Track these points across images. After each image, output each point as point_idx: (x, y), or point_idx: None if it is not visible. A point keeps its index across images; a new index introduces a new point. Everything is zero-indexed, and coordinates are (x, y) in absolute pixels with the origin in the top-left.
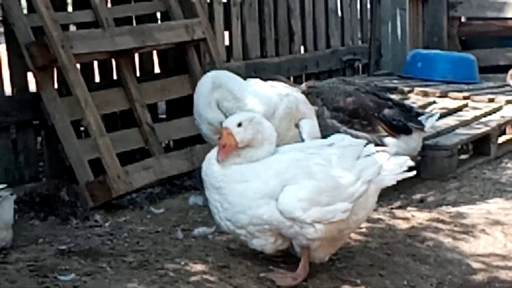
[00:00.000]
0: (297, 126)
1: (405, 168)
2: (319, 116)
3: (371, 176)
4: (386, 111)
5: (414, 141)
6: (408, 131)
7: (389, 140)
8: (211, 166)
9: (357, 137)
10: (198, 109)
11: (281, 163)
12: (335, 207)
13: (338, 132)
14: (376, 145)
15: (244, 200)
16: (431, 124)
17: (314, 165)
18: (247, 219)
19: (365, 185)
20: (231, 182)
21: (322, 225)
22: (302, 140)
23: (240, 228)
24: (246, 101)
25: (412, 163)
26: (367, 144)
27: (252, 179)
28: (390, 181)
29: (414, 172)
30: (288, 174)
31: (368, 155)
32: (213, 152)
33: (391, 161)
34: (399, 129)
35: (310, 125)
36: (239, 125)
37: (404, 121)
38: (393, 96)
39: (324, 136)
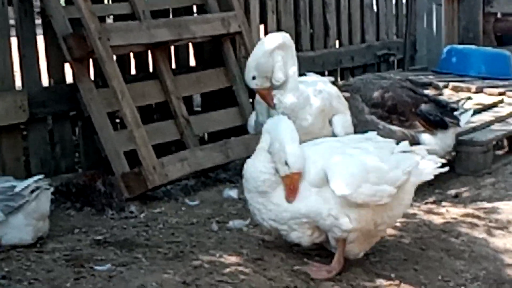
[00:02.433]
0: (330, 121)
1: (439, 165)
2: (359, 112)
3: (410, 166)
4: (423, 106)
5: (449, 137)
6: (444, 126)
7: (425, 136)
8: (257, 174)
9: (395, 132)
10: (257, 55)
11: (319, 151)
12: (383, 188)
13: (378, 128)
14: (412, 143)
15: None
16: (466, 119)
17: (353, 150)
18: (289, 215)
19: (406, 175)
20: (277, 185)
21: (356, 214)
22: (335, 136)
23: (283, 224)
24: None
25: (444, 161)
26: (401, 141)
27: None
28: (426, 176)
29: (447, 168)
30: (328, 160)
31: (403, 152)
32: (257, 158)
33: (427, 157)
34: (436, 124)
35: (343, 120)
36: None
37: (441, 116)
38: (428, 92)
39: (363, 132)
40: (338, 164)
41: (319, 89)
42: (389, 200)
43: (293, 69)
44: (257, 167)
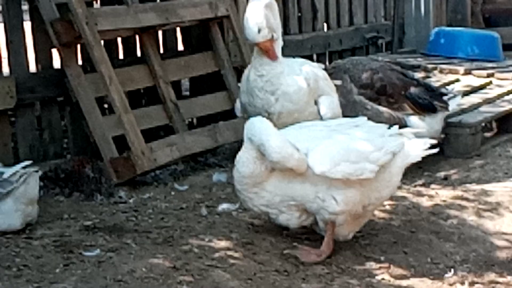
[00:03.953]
0: (316, 103)
1: (428, 146)
2: (347, 92)
3: (394, 148)
4: (412, 90)
5: (437, 121)
6: (433, 110)
7: (413, 119)
8: (250, 170)
9: (383, 113)
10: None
11: (304, 135)
12: (363, 165)
13: (365, 108)
14: (400, 126)
15: (278, 183)
16: (455, 104)
17: (337, 134)
18: (279, 198)
19: (389, 155)
20: (270, 175)
21: (342, 196)
22: (320, 117)
23: (273, 208)
24: None
25: (434, 141)
26: (389, 123)
27: None
28: (414, 158)
29: (437, 149)
30: (311, 142)
31: (392, 135)
32: (245, 154)
33: (414, 140)
34: (424, 107)
35: (329, 101)
36: None
37: (430, 100)
38: (417, 74)
39: (353, 114)
40: (319, 145)
41: (306, 64)
42: (371, 175)
43: (279, 31)
44: (243, 161)
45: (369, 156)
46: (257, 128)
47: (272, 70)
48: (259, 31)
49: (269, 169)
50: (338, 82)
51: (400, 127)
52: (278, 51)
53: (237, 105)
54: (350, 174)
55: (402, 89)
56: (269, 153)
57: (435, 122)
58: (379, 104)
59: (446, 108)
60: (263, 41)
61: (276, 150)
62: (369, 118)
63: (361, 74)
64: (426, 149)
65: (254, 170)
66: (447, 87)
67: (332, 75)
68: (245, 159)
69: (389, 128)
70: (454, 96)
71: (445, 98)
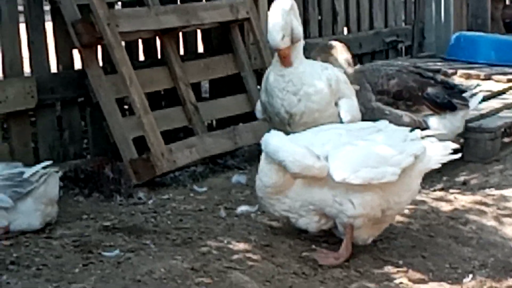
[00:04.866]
0: (336, 105)
1: (450, 151)
2: (366, 99)
3: (416, 151)
4: (430, 90)
5: (458, 119)
6: (452, 108)
7: (434, 120)
8: (273, 181)
9: (402, 117)
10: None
11: (324, 139)
12: (384, 169)
13: (384, 114)
14: (421, 128)
15: (299, 190)
16: (475, 102)
17: (356, 139)
18: (299, 203)
19: (411, 157)
20: (291, 184)
21: (360, 199)
22: (340, 119)
23: (294, 212)
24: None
25: (457, 146)
26: (409, 126)
27: None
28: (436, 163)
29: (459, 155)
30: (331, 146)
31: (415, 139)
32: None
33: (436, 144)
34: (443, 106)
35: (349, 104)
36: None
37: (448, 98)
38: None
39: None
40: (338, 152)
41: (327, 66)
42: (394, 178)
43: (301, 33)
44: (269, 175)
45: (390, 160)
46: (273, 146)
47: (294, 71)
48: (282, 37)
49: (292, 177)
50: (357, 87)
51: (421, 129)
52: (300, 52)
53: (258, 107)
54: (372, 179)
55: (419, 91)
56: (290, 167)
57: (456, 120)
58: (397, 108)
59: (467, 106)
60: (284, 47)
61: (296, 164)
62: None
63: (377, 80)
64: (448, 154)
65: (277, 181)
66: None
67: (353, 80)
68: (267, 171)
69: (411, 131)
70: (475, 94)
71: (465, 95)
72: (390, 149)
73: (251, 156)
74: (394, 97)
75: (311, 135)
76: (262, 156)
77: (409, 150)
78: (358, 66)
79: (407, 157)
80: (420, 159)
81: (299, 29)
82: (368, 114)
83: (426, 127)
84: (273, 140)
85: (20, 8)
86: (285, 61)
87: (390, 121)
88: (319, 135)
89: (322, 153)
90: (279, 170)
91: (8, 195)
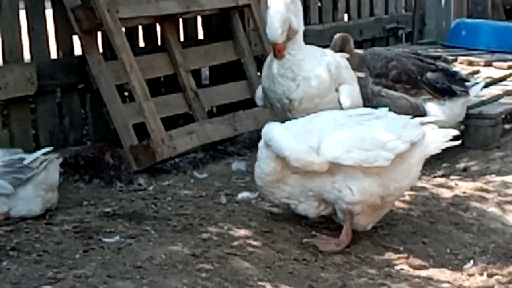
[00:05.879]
0: (337, 90)
1: (450, 138)
2: (364, 83)
3: (413, 137)
4: (429, 74)
5: (458, 106)
6: (452, 93)
7: (432, 105)
8: (271, 168)
9: (399, 99)
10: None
11: (319, 123)
12: (378, 152)
13: (380, 95)
14: (419, 111)
15: (299, 177)
16: (476, 91)
17: (354, 123)
18: (299, 190)
19: (406, 144)
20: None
21: (358, 186)
22: (340, 105)
23: (294, 199)
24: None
25: (457, 132)
26: (406, 109)
27: None
28: (435, 149)
29: (459, 141)
30: (326, 132)
31: (413, 126)
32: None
33: (436, 130)
34: (442, 91)
35: (349, 90)
36: None
37: (448, 84)
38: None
39: (370, 105)
40: (335, 133)
41: (327, 52)
42: (386, 163)
43: (301, 22)
44: (268, 163)
45: (385, 144)
46: (276, 140)
47: (293, 58)
48: (281, 33)
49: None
50: (362, 75)
51: (419, 114)
52: (299, 40)
53: (258, 93)
54: (363, 161)
55: (418, 74)
56: (292, 163)
57: (456, 107)
58: (395, 91)
59: (467, 93)
60: (282, 42)
61: (299, 161)
62: (384, 105)
63: (376, 64)
64: (447, 141)
65: (276, 167)
66: (475, 76)
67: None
68: (265, 158)
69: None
70: (476, 83)
71: (467, 84)
72: (387, 133)
73: (251, 142)
74: (393, 80)
75: (307, 121)
76: (261, 144)
77: (405, 136)
78: (359, 51)
79: (403, 143)
80: (419, 145)
81: (299, 22)
82: (365, 98)
83: (424, 111)
84: (276, 134)
85: None
86: (279, 54)
87: (386, 104)
88: (315, 121)
89: (319, 137)
90: (278, 157)
91: (9, 181)
